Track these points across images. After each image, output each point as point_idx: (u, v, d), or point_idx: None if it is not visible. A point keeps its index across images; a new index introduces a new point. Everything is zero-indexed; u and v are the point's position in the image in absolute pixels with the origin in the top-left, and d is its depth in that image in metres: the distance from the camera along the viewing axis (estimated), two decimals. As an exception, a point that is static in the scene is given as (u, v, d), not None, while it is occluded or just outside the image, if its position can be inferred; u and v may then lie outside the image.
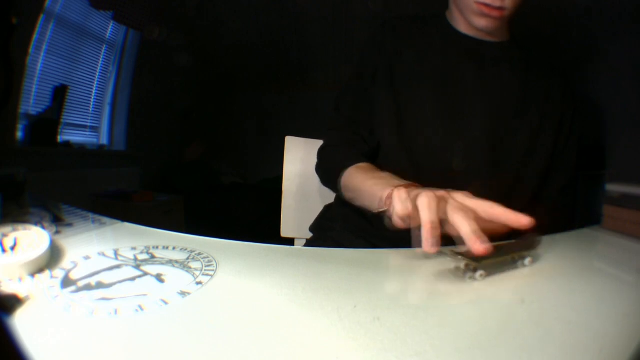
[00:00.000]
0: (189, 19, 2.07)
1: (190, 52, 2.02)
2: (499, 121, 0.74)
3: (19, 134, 1.67)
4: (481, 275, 0.41)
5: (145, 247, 0.49)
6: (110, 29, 2.07)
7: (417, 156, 0.74)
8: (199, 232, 0.54)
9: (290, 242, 0.95)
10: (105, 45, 2.06)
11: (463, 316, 0.33)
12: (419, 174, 0.72)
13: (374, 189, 0.59)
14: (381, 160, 0.77)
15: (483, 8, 0.66)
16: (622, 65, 2.23)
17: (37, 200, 0.74)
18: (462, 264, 0.42)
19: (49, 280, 0.38)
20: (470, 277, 0.41)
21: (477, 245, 0.40)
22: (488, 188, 0.70)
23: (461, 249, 0.42)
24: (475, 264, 0.41)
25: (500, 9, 0.66)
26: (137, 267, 0.41)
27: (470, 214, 0.44)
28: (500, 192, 0.72)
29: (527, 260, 0.45)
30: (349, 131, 0.78)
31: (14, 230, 0.45)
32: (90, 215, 0.66)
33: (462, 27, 0.78)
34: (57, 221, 0.60)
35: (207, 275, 0.39)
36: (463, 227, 0.42)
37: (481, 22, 0.69)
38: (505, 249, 0.43)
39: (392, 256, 0.50)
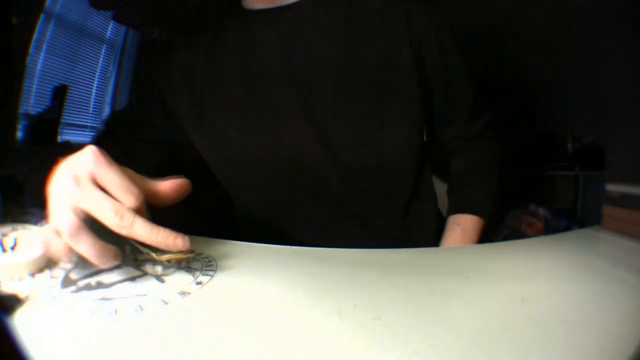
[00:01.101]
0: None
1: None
2: (327, 98, 0.60)
3: (19, 134, 1.66)
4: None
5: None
6: (110, 29, 2.07)
7: (234, 169, 0.67)
8: (199, 231, 0.53)
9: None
10: (105, 45, 2.06)
11: (463, 316, 0.33)
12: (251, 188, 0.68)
13: None
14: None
15: None
16: (623, 65, 2.23)
17: (37, 200, 0.74)
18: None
19: (49, 280, 0.38)
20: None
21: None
22: (355, 186, 0.63)
23: None
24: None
25: None
26: (137, 266, 0.41)
27: None
28: (375, 176, 0.64)
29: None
30: None
31: (14, 230, 0.45)
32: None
33: (256, 2, 0.65)
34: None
35: (207, 275, 0.39)
36: None
37: None
38: None
39: (391, 256, 0.49)
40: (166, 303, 0.33)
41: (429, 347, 0.28)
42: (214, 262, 0.43)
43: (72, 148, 0.39)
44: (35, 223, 0.57)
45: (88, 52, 1.98)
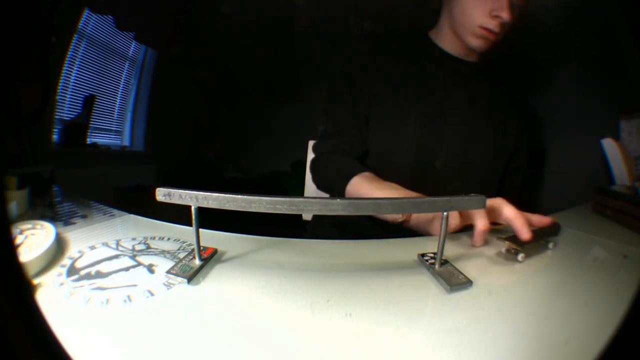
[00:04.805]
0: (201, 42, 2.03)
1: (199, 69, 2.00)
2: (471, 128, 0.74)
3: (55, 137, 1.65)
4: (522, 257, 0.42)
5: (144, 237, 0.47)
6: (132, 47, 2.04)
7: (403, 158, 0.72)
8: (204, 223, 0.50)
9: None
10: (127, 62, 2.02)
11: (433, 309, 0.30)
12: (406, 173, 0.72)
13: None
14: (370, 162, 0.74)
15: (484, 32, 0.67)
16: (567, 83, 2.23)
17: (63, 195, 0.72)
18: (503, 249, 0.44)
19: (58, 268, 0.37)
20: (513, 260, 0.42)
21: (525, 232, 0.43)
22: (465, 182, 0.73)
23: (504, 236, 0.45)
24: (518, 248, 0.43)
25: (497, 33, 0.67)
26: (133, 257, 0.40)
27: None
28: (474, 183, 0.74)
29: (551, 245, 0.47)
30: (341, 140, 0.73)
31: (34, 227, 0.43)
32: (103, 207, 0.64)
33: (446, 45, 0.76)
34: (74, 213, 0.59)
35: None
36: (518, 221, 0.45)
37: (477, 42, 0.69)
38: (536, 235, 0.45)
39: (363, 247, 0.45)
40: (152, 294, 0.32)
41: (400, 341, 0.26)
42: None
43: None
44: (53, 215, 0.56)
45: (113, 67, 1.95)
